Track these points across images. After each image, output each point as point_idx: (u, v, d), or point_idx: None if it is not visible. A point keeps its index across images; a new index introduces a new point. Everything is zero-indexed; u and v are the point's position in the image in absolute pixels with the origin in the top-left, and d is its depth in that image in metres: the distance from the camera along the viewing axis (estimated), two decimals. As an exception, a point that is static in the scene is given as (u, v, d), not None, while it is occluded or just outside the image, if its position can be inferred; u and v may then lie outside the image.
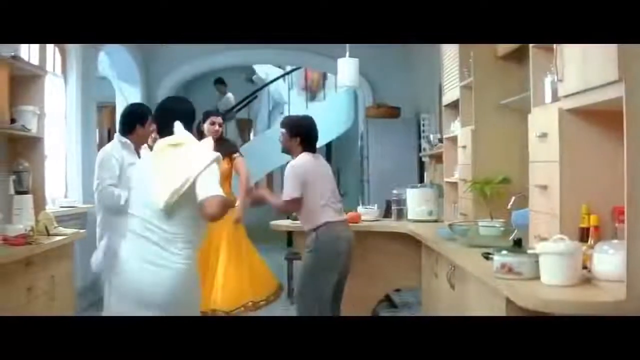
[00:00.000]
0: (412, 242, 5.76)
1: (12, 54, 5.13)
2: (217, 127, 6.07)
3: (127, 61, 10.16)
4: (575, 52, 3.15)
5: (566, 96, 3.29)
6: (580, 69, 3.09)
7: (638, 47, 2.60)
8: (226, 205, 3.53)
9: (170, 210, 3.46)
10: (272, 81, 14.04)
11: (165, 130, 3.69)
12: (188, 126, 3.73)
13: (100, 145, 6.63)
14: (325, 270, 5.08)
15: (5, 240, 4.70)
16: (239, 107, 13.56)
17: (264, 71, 14.27)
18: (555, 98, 3.52)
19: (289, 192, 5.09)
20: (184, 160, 3.49)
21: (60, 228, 5.50)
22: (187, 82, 12.23)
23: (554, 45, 3.39)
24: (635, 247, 2.64)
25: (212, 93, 13.18)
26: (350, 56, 6.72)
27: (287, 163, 5.31)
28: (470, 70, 5.48)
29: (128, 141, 5.06)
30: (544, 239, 3.29)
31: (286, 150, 5.30)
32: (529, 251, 3.25)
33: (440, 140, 6.90)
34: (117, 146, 5.07)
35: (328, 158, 13.49)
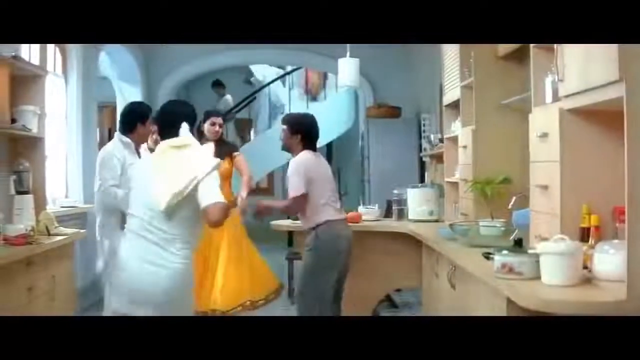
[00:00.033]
0: (412, 242, 5.76)
1: (13, 54, 5.12)
2: (217, 128, 6.07)
3: (128, 61, 10.15)
4: (576, 52, 3.15)
5: (567, 96, 3.29)
6: (581, 69, 3.09)
7: (638, 47, 2.60)
8: (227, 210, 3.60)
9: (170, 212, 3.51)
10: (269, 83, 14.04)
11: (167, 133, 3.74)
12: (190, 129, 3.78)
13: (101, 145, 6.62)
14: (326, 269, 5.08)
15: (6, 240, 4.70)
16: (237, 108, 13.55)
17: (262, 73, 14.28)
18: (555, 98, 3.52)
19: (295, 188, 5.08)
20: (187, 163, 3.54)
21: (61, 228, 5.50)
22: (188, 82, 12.24)
23: (555, 45, 3.39)
24: (636, 247, 2.63)
25: (213, 93, 13.19)
26: (351, 56, 6.72)
27: (288, 163, 5.30)
28: (470, 70, 5.48)
29: (129, 140, 5.07)
30: (545, 239, 3.29)
31: (286, 147, 5.29)
32: (530, 251, 3.25)
33: (441, 140, 6.90)
34: (119, 145, 5.07)
35: (329, 158, 13.50)
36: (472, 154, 5.38)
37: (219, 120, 6.14)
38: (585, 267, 3.07)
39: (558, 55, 3.35)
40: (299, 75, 14.67)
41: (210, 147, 3.93)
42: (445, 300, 4.77)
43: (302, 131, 5.22)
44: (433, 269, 5.16)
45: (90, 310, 6.42)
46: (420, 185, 7.08)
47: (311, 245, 5.11)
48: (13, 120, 5.25)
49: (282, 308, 7.58)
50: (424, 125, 9.25)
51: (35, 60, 6.12)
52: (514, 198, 4.37)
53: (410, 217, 6.50)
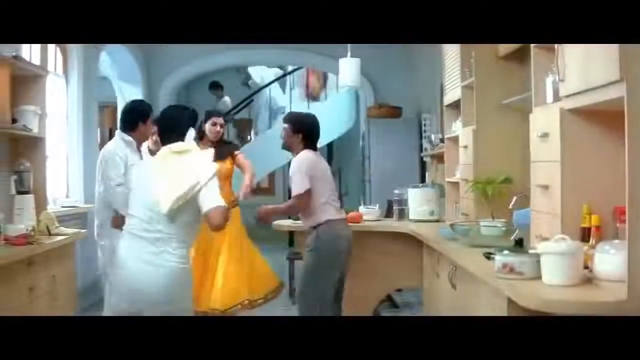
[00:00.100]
0: (413, 242, 5.76)
1: (14, 54, 5.12)
2: (218, 128, 6.05)
3: (129, 61, 10.16)
4: (576, 52, 3.15)
5: (567, 96, 3.29)
6: (582, 69, 3.09)
7: (639, 47, 2.60)
8: (228, 213, 3.69)
9: (172, 215, 3.60)
10: (267, 84, 14.03)
11: (167, 137, 3.84)
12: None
13: (102, 145, 6.62)
14: (326, 269, 5.08)
15: (7, 240, 4.70)
16: (236, 110, 13.54)
17: (260, 75, 14.28)
18: (556, 98, 3.51)
19: (299, 186, 5.05)
20: (189, 168, 3.62)
21: (62, 228, 5.51)
22: (188, 82, 12.24)
23: (556, 45, 3.39)
24: (637, 247, 2.63)
25: (226, 87, 13.17)
26: (351, 56, 6.72)
27: (289, 163, 5.30)
28: (471, 70, 5.48)
29: (131, 139, 5.06)
30: (546, 239, 3.29)
31: (287, 146, 5.28)
32: (531, 251, 3.25)
33: (442, 140, 6.90)
34: (121, 144, 5.06)
35: (329, 158, 13.51)
36: (472, 154, 5.38)
37: (220, 120, 6.13)
38: (586, 267, 3.07)
39: (559, 55, 3.35)
40: (300, 75, 14.67)
41: (210, 152, 3.96)
42: (446, 300, 4.77)
43: (304, 130, 5.22)
44: (434, 269, 5.16)
45: (90, 310, 6.42)
46: (421, 185, 7.07)
47: (312, 245, 5.11)
48: (14, 120, 5.25)
49: (283, 308, 7.59)
50: (424, 125, 9.24)
51: (36, 60, 6.12)
52: (514, 198, 4.37)
53: (411, 217, 6.50)
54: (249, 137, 14.11)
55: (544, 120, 3.59)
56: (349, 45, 6.63)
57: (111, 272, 4.21)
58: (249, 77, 14.25)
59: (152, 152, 5.10)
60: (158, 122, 4.13)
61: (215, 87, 12.81)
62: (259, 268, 6.09)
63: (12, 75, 5.16)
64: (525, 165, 4.04)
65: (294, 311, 7.35)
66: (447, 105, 6.43)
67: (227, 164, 6.00)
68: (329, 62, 9.79)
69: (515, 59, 5.23)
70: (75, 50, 7.81)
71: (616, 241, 2.98)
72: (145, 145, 5.31)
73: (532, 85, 3.88)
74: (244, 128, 14.29)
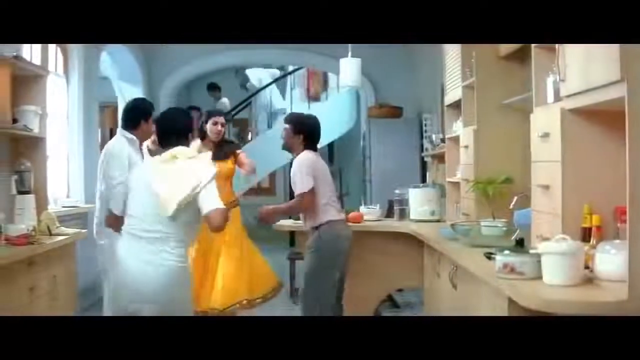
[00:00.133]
0: (414, 242, 5.76)
1: (14, 54, 5.12)
2: (219, 127, 6.05)
3: (129, 61, 10.16)
4: (577, 52, 3.15)
5: (568, 96, 3.29)
6: (583, 69, 3.09)
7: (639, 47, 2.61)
8: (227, 215, 3.82)
9: (173, 216, 3.70)
10: (265, 86, 14.02)
11: (166, 140, 3.97)
12: (187, 136, 4.04)
13: (102, 145, 6.61)
14: (328, 269, 5.08)
15: (8, 240, 4.70)
16: (235, 111, 13.52)
17: (257, 77, 14.27)
18: (557, 98, 3.51)
19: (302, 185, 5.04)
20: (190, 172, 3.75)
21: (62, 228, 5.51)
22: (189, 83, 12.24)
23: (556, 45, 3.39)
24: (637, 247, 2.63)
25: (224, 88, 13.14)
26: (352, 56, 6.71)
27: (290, 163, 5.30)
28: (472, 70, 5.48)
29: (134, 137, 5.05)
30: (546, 239, 3.29)
31: (287, 146, 5.27)
32: (531, 251, 3.25)
33: (443, 140, 6.90)
34: (123, 142, 5.05)
35: (330, 158, 13.52)
36: (473, 154, 5.38)
37: (221, 119, 6.12)
38: (586, 267, 3.07)
39: (559, 55, 3.35)
40: (301, 75, 14.67)
41: (208, 155, 4.05)
42: (446, 300, 4.77)
43: (305, 131, 5.21)
44: (434, 269, 5.16)
45: (90, 310, 6.42)
46: (421, 185, 7.08)
47: (313, 246, 5.11)
48: (14, 120, 5.25)
49: (284, 308, 7.59)
50: (425, 125, 9.24)
51: (37, 60, 6.12)
52: (515, 198, 4.37)
53: (411, 217, 6.50)
54: (249, 137, 14.10)
55: (545, 120, 3.59)
56: (349, 45, 6.63)
57: (110, 271, 4.23)
58: (247, 79, 14.25)
59: (151, 152, 5.10)
60: (157, 125, 4.22)
61: (213, 88, 12.77)
62: (259, 268, 6.09)
63: (13, 75, 5.15)
64: (526, 165, 4.03)
65: (294, 311, 7.35)
66: (447, 105, 6.43)
67: (229, 163, 6.00)
68: (329, 62, 9.78)
69: (516, 59, 5.23)
70: (76, 50, 7.81)
71: (617, 241, 2.98)
72: (144, 145, 5.30)
73: (533, 85, 3.88)
74: (244, 128, 14.29)
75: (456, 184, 6.06)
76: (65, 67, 7.76)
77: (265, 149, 10.95)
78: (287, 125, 5.25)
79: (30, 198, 5.34)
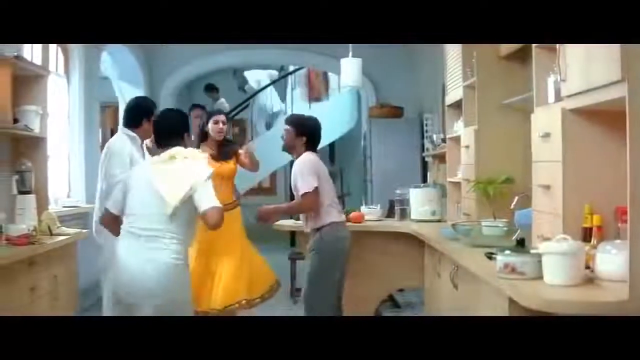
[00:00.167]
0: (415, 242, 5.76)
1: (15, 54, 5.12)
2: (221, 125, 6.03)
3: (130, 61, 10.16)
4: (578, 52, 3.15)
5: (569, 96, 3.29)
6: (583, 69, 3.08)
7: (640, 47, 2.61)
8: (224, 213, 3.93)
9: (172, 215, 3.83)
10: (263, 88, 14.01)
11: (161, 140, 4.14)
12: (183, 137, 4.17)
13: (103, 145, 6.62)
14: (330, 270, 5.09)
15: (8, 240, 4.70)
16: (233, 113, 13.50)
17: (256, 79, 14.27)
18: (558, 98, 3.51)
19: (307, 184, 5.02)
20: (187, 171, 3.90)
21: (63, 228, 5.51)
22: (190, 82, 12.23)
23: (557, 45, 3.39)
24: (638, 247, 2.63)
25: (223, 90, 13.12)
26: (353, 56, 6.71)
27: (290, 163, 5.29)
28: (473, 70, 5.48)
29: (135, 135, 5.05)
30: (547, 239, 3.29)
31: (288, 148, 5.26)
32: (532, 251, 3.25)
33: (444, 140, 6.90)
34: (126, 140, 5.05)
35: (331, 158, 13.52)
36: (474, 154, 5.38)
37: (222, 117, 6.12)
38: (587, 267, 3.07)
39: (560, 55, 3.34)
40: (301, 75, 14.67)
41: (205, 155, 4.17)
42: (447, 300, 4.77)
43: (307, 133, 5.21)
44: (435, 269, 5.16)
45: (91, 310, 6.42)
46: (422, 185, 7.07)
47: (316, 247, 5.10)
48: (15, 120, 5.25)
49: (284, 308, 7.60)
50: (426, 125, 9.24)
51: (38, 60, 6.12)
52: (516, 198, 4.36)
53: (412, 217, 6.50)
54: (249, 137, 14.08)
55: (546, 120, 3.59)
56: (350, 45, 6.63)
57: (110, 269, 4.27)
58: (245, 81, 14.24)
59: (150, 150, 5.09)
60: (153, 125, 4.38)
61: (211, 89, 12.72)
62: (258, 267, 6.08)
63: (14, 75, 5.15)
64: (526, 165, 4.03)
65: (295, 311, 7.37)
66: (448, 105, 6.43)
67: (231, 164, 6.00)
68: (330, 62, 9.78)
69: (516, 59, 5.23)
70: (77, 50, 7.81)
71: (617, 241, 2.98)
72: (144, 143, 5.30)
73: (534, 85, 3.88)
74: (244, 128, 14.28)
75: (457, 184, 6.06)
76: (66, 67, 7.76)
77: (266, 149, 10.95)
78: (288, 127, 5.23)
79: (31, 198, 5.33)
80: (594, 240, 3.18)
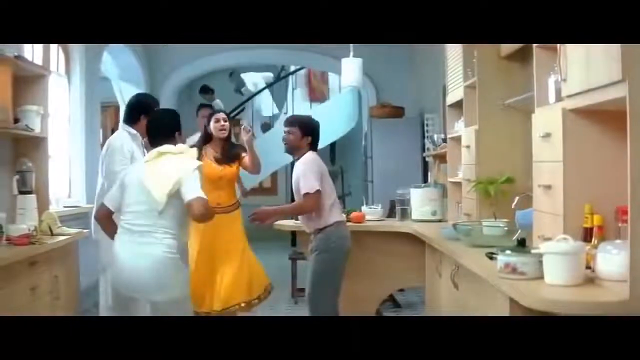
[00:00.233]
0: (416, 242, 5.75)
1: (16, 54, 5.13)
2: (222, 123, 6.02)
3: (130, 62, 10.16)
4: (578, 52, 3.15)
5: (570, 96, 3.29)
6: (584, 69, 3.08)
7: (641, 46, 2.60)
8: (209, 205, 4.06)
9: (164, 209, 4.00)
10: (260, 91, 13.98)
11: (153, 139, 4.31)
12: (174, 135, 4.33)
13: (104, 145, 6.63)
14: (335, 270, 5.10)
15: (9, 240, 4.70)
16: (233, 113, 13.48)
17: (253, 82, 14.24)
18: (558, 98, 3.51)
19: (310, 186, 5.01)
20: (174, 166, 4.07)
21: (64, 228, 5.51)
22: (191, 82, 12.22)
23: (558, 45, 3.39)
24: (638, 247, 2.63)
25: (221, 91, 13.09)
26: (354, 56, 6.71)
27: (291, 163, 5.29)
28: (473, 70, 5.47)
29: (136, 132, 5.06)
30: (548, 239, 3.29)
31: (292, 149, 5.24)
32: (533, 251, 3.25)
33: (444, 140, 6.89)
34: (126, 137, 5.06)
35: (332, 158, 13.50)
36: (475, 154, 5.37)
37: (222, 115, 6.11)
38: (588, 267, 3.07)
39: (561, 55, 3.34)
40: (302, 75, 14.66)
41: (193, 151, 4.36)
42: (448, 300, 4.77)
43: (311, 133, 5.23)
44: (436, 268, 5.16)
45: (92, 310, 6.42)
46: (423, 185, 7.07)
47: (321, 247, 5.08)
48: (16, 120, 5.26)
49: (285, 308, 7.60)
50: (427, 125, 9.24)
51: (39, 60, 6.14)
52: (517, 198, 4.36)
53: (413, 217, 6.50)
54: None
55: (546, 120, 3.59)
56: (351, 45, 6.63)
57: (108, 265, 4.43)
58: (242, 83, 14.22)
59: (147, 147, 5.11)
60: (146, 125, 4.54)
61: (206, 91, 12.67)
62: (255, 269, 6.09)
63: (15, 75, 5.16)
64: (527, 165, 4.03)
65: (296, 310, 7.38)
66: (449, 105, 6.42)
67: (234, 167, 5.99)
68: (331, 62, 9.79)
69: (517, 59, 5.22)
70: (78, 50, 7.81)
71: (618, 241, 2.97)
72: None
73: (535, 85, 3.88)
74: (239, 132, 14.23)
75: (458, 184, 6.05)
76: (67, 67, 7.76)
77: (266, 149, 10.96)
78: (293, 128, 5.20)
79: (32, 198, 5.34)
80: (594, 240, 3.17)
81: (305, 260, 5.75)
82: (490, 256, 3.69)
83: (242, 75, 14.19)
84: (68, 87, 7.77)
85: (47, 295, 4.86)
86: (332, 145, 13.57)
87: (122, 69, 10.16)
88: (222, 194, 5.92)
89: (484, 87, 5.37)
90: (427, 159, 8.76)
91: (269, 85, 14.22)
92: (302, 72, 14.46)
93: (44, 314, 4.70)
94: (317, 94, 14.84)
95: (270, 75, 14.41)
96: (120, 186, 4.24)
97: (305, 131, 5.20)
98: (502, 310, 3.26)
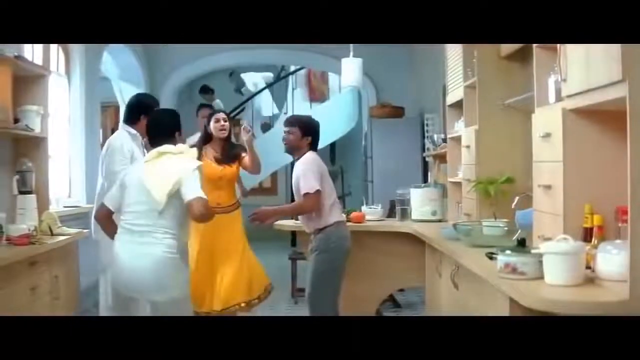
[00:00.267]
0: (416, 242, 5.75)
1: (16, 53, 5.13)
2: (222, 123, 6.01)
3: (131, 62, 10.16)
4: (578, 52, 3.15)
5: (570, 96, 3.29)
6: (584, 68, 3.08)
7: (641, 46, 2.60)
8: (209, 206, 4.08)
9: (164, 209, 4.02)
10: (260, 91, 13.97)
11: (154, 139, 4.32)
12: (174, 135, 4.35)
13: (104, 145, 6.63)
14: (336, 270, 5.08)
15: (9, 240, 4.70)
16: (234, 113, 13.46)
17: (253, 82, 14.24)
18: (558, 98, 3.51)
19: (310, 186, 4.99)
20: (174, 166, 4.09)
21: (64, 228, 5.51)
22: (191, 82, 12.22)
23: (558, 45, 3.39)
24: (638, 247, 2.63)
25: (221, 91, 13.08)
26: (354, 56, 6.71)
27: (291, 163, 5.28)
28: (473, 70, 5.47)
29: (136, 132, 5.06)
30: (548, 239, 3.29)
31: (293, 149, 5.23)
32: (533, 251, 3.25)
33: (444, 140, 6.89)
34: (126, 137, 5.06)
35: (332, 158, 13.49)
36: (475, 154, 5.37)
37: (222, 115, 6.11)
38: (588, 267, 3.07)
39: (561, 55, 3.34)
40: (302, 75, 14.65)
41: (193, 151, 4.38)
42: (448, 300, 4.77)
43: (312, 133, 5.22)
44: (436, 268, 5.16)
45: (92, 310, 6.42)
46: (423, 185, 7.07)
47: (322, 247, 5.07)
48: (16, 120, 5.26)
49: (285, 307, 7.60)
50: (427, 125, 9.24)
51: (39, 60, 6.13)
52: (517, 198, 4.36)
53: (413, 217, 6.49)
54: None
55: (546, 120, 3.59)
56: (351, 45, 6.63)
57: (108, 264, 4.45)
58: (242, 83, 14.21)
59: (147, 147, 5.11)
60: (146, 126, 4.56)
61: (205, 91, 12.66)
62: (255, 269, 6.10)
63: (15, 75, 5.16)
64: (527, 165, 4.03)
65: (296, 310, 7.38)
66: (449, 105, 6.42)
67: (234, 167, 5.99)
68: (331, 62, 9.78)
69: (517, 58, 5.22)
70: (78, 50, 7.81)
71: (618, 241, 2.97)
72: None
73: (535, 85, 3.88)
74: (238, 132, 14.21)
75: (458, 184, 6.05)
76: (67, 67, 7.76)
77: (267, 148, 10.96)
78: (293, 128, 5.20)
79: (32, 198, 5.34)
80: (594, 240, 3.17)
81: (305, 261, 5.75)
82: (490, 256, 3.69)
83: (242, 75, 14.18)
84: (68, 87, 7.77)
85: (47, 295, 4.86)
86: (332, 145, 13.57)
87: (122, 69, 10.16)
88: (222, 194, 5.93)
89: (484, 87, 5.37)
90: (427, 159, 8.76)
91: (269, 85, 14.22)
92: (302, 72, 14.45)
93: (44, 314, 4.70)
94: (317, 94, 14.84)
95: (270, 75, 14.41)
96: (120, 186, 4.25)
97: (305, 131, 5.20)
98: (502, 310, 3.26)
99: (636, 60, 2.61)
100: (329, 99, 14.28)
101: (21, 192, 5.31)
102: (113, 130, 10.62)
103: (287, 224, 6.24)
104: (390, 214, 7.24)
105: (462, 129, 5.82)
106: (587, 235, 3.24)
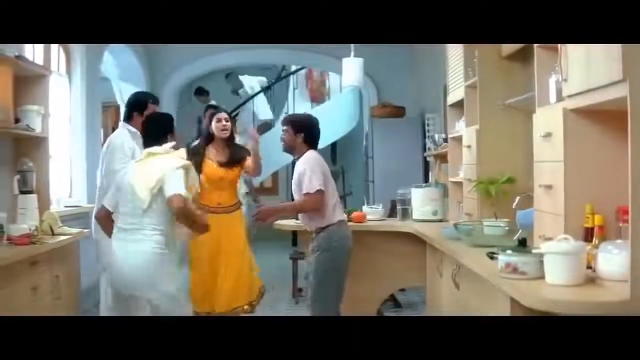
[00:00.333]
0: (417, 241, 5.75)
1: (17, 53, 5.13)
2: (224, 122, 5.99)
3: (131, 62, 10.17)
4: (579, 52, 3.15)
5: (570, 96, 3.28)
6: (585, 68, 3.08)
7: (642, 46, 2.60)
8: (187, 203, 4.22)
9: (149, 207, 4.21)
10: (257, 93, 13.97)
11: (147, 140, 4.51)
12: (166, 137, 4.52)
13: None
14: (339, 269, 5.07)
15: (10, 240, 4.71)
16: (233, 114, 13.44)
17: (250, 85, 14.23)
18: (559, 98, 3.51)
19: (312, 183, 4.97)
20: (158, 165, 4.27)
21: (65, 228, 5.51)
22: (191, 82, 12.22)
23: (559, 45, 3.39)
24: (639, 247, 2.63)
25: (218, 92, 13.09)
26: (355, 56, 6.71)
27: (292, 162, 5.27)
28: (474, 70, 5.47)
29: (136, 130, 5.06)
30: (549, 239, 3.29)
31: (289, 148, 5.23)
32: (534, 251, 3.24)
33: (445, 140, 6.89)
34: (127, 136, 5.06)
35: (333, 158, 13.49)
36: (476, 154, 5.37)
37: (224, 115, 6.08)
38: (589, 267, 3.07)
39: (562, 55, 3.34)
40: (303, 75, 14.65)
41: (181, 152, 4.49)
42: (449, 299, 4.77)
43: (304, 130, 5.18)
44: (437, 268, 5.16)
45: (93, 310, 6.42)
46: (424, 185, 7.06)
47: (324, 246, 5.05)
48: (17, 120, 5.26)
49: (286, 307, 7.60)
50: (428, 125, 9.24)
51: (39, 60, 6.13)
52: (517, 198, 4.36)
53: (414, 216, 6.49)
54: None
55: (547, 120, 3.59)
56: (352, 45, 6.63)
57: (107, 264, 4.57)
58: (239, 85, 14.21)
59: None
60: (142, 127, 4.75)
61: (201, 92, 12.63)
62: (254, 270, 6.10)
63: (15, 75, 5.16)
64: (528, 165, 4.03)
65: (296, 310, 7.38)
66: (450, 105, 6.42)
67: (236, 170, 5.99)
68: (331, 62, 9.79)
69: (518, 58, 5.22)
70: (78, 50, 7.81)
71: (619, 241, 2.97)
72: None
73: (535, 85, 3.88)
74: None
75: (459, 184, 6.05)
76: (68, 67, 7.77)
77: (267, 149, 10.95)
78: (285, 127, 5.21)
79: (33, 198, 5.34)
80: (595, 240, 3.17)
81: (305, 260, 5.74)
82: (491, 256, 3.69)
83: (241, 77, 14.18)
84: (69, 87, 7.77)
85: (47, 295, 4.86)
86: (333, 145, 13.56)
87: (122, 69, 10.16)
88: (224, 194, 5.93)
89: (485, 87, 5.37)
90: (428, 158, 8.76)
91: (269, 86, 14.20)
92: (303, 72, 14.45)
93: (44, 314, 4.70)
94: (318, 93, 14.84)
95: (264, 79, 14.37)
96: (115, 187, 4.45)
97: (297, 129, 5.17)
98: (503, 310, 3.26)
99: (637, 60, 2.61)
100: (329, 99, 14.28)
101: (22, 192, 5.31)
102: (114, 130, 10.64)
103: (288, 223, 6.24)
104: (391, 213, 7.23)
105: (463, 129, 5.82)
106: (588, 235, 3.24)
